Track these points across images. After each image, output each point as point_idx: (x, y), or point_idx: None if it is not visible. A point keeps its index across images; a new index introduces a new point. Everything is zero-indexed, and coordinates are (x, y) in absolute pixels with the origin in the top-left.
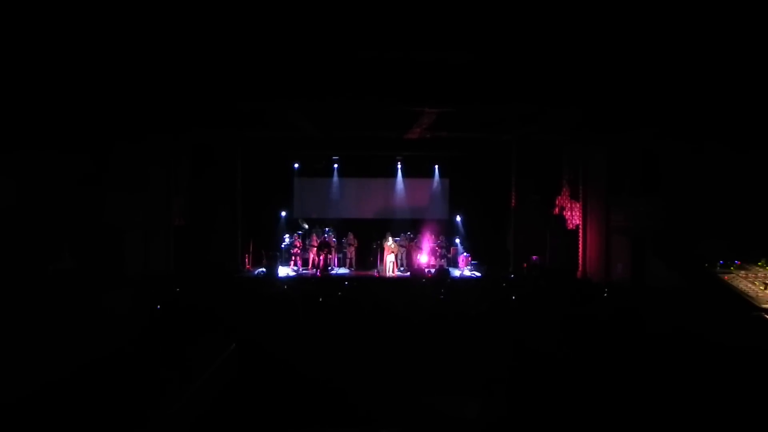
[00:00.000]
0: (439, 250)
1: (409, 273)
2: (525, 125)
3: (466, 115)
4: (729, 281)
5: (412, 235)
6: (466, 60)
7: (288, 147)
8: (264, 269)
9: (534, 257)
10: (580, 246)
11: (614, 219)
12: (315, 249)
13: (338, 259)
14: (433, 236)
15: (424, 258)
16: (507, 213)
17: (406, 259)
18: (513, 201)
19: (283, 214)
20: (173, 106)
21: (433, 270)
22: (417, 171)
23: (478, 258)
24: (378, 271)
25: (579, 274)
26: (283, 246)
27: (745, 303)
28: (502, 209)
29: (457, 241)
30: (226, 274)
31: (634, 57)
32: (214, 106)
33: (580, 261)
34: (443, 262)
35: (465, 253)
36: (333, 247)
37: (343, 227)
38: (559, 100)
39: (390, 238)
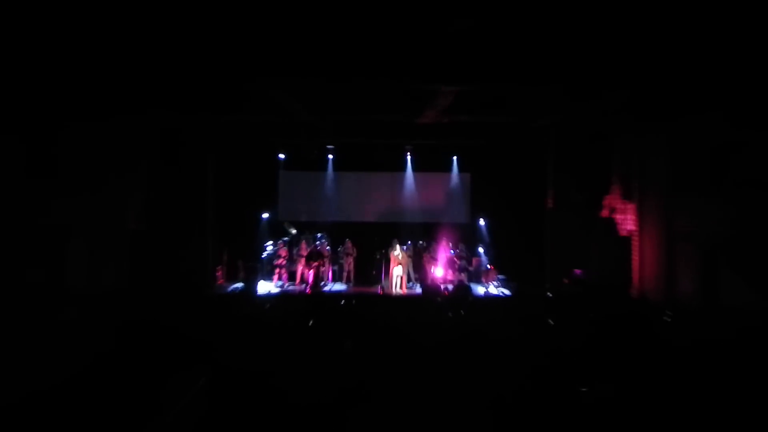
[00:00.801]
0: (458, 262)
1: (420, 290)
2: (566, 108)
3: (492, 95)
4: None
5: (424, 243)
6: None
7: (272, 134)
8: (241, 284)
9: (576, 271)
10: (635, 257)
11: (678, 224)
12: (304, 260)
13: (333, 272)
14: (450, 244)
15: (439, 271)
16: (542, 216)
17: (418, 273)
18: (550, 201)
19: (265, 216)
20: (134, 83)
21: (450, 286)
22: (431, 163)
23: (506, 271)
24: (382, 288)
25: (633, 291)
26: (264, 256)
27: None
28: (536, 211)
29: (481, 250)
30: (193, 290)
31: (700, 26)
32: (184, 84)
33: (635, 275)
34: (463, 276)
35: (490, 266)
36: (326, 257)
37: (339, 233)
38: (608, 80)
39: (397, 247)
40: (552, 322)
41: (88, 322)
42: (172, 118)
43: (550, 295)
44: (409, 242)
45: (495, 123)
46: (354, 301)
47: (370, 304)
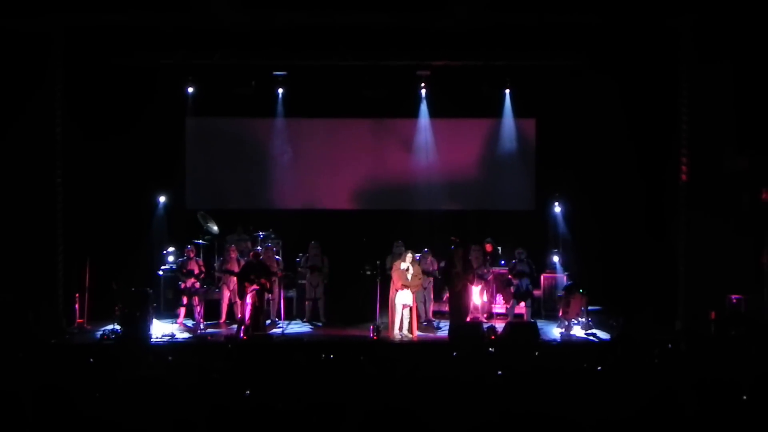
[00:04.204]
0: (514, 281)
1: (448, 332)
2: None
3: None
4: None
5: (456, 249)
6: None
7: (168, 49)
8: (118, 327)
9: (733, 297)
10: None
11: None
12: (234, 279)
13: (287, 300)
14: (500, 249)
15: (480, 297)
16: (670, 198)
17: (441, 302)
18: (684, 168)
19: (162, 201)
20: None
21: (500, 325)
22: (464, 103)
23: (602, 298)
24: (378, 328)
25: None
26: (161, 273)
27: None
28: (657, 189)
29: (556, 259)
30: (28, 337)
31: None
32: None
33: None
34: (526, 306)
35: (572, 288)
36: (276, 273)
37: (296, 231)
38: None
39: (408, 256)
40: (688, 401)
41: None
42: None
43: (677, 343)
44: (425, 249)
45: (581, 23)
46: (324, 355)
47: (355, 359)
